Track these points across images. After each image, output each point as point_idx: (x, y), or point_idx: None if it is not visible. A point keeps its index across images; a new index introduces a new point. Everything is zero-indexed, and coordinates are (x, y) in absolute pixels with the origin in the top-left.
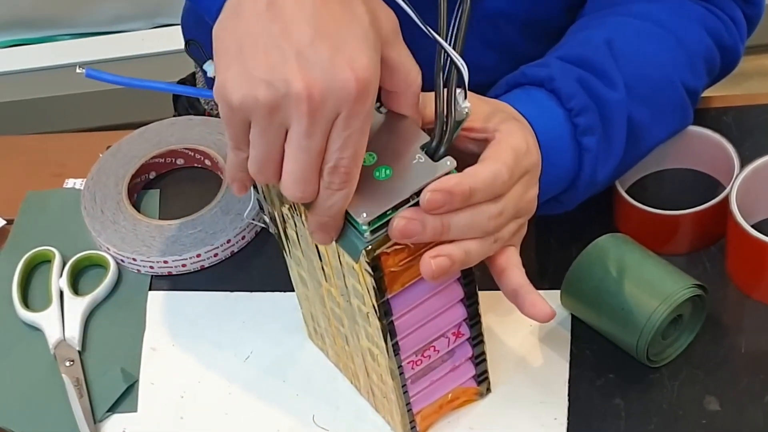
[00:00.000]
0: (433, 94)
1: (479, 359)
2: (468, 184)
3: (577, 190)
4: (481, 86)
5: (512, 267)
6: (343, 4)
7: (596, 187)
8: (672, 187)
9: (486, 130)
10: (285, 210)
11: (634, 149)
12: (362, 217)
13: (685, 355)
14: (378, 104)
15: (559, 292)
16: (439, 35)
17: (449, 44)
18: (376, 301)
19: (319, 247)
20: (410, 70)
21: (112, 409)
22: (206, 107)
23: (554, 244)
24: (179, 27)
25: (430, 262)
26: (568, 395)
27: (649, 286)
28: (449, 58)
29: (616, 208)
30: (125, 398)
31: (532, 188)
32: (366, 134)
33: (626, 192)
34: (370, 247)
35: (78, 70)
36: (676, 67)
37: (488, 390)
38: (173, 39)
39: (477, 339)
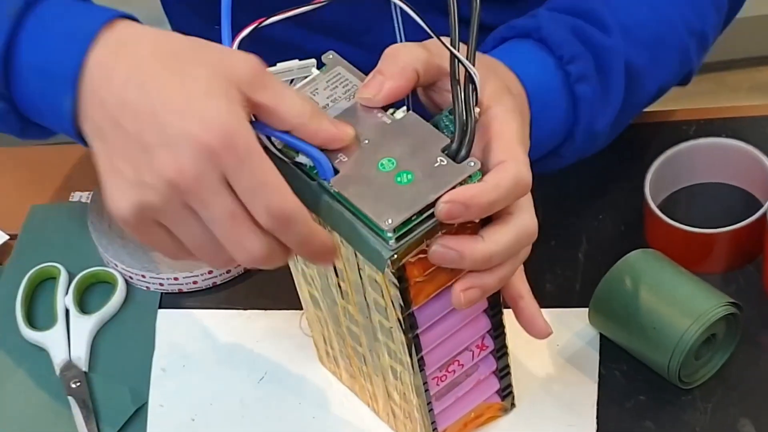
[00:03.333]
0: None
1: (503, 372)
2: (486, 198)
3: (575, 141)
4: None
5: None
6: (174, 72)
7: (597, 139)
8: (706, 203)
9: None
10: None
11: (635, 96)
12: (387, 224)
13: (719, 376)
14: (392, 109)
15: (587, 310)
16: (451, 44)
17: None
18: (401, 314)
19: (336, 262)
20: (291, 106)
21: None
22: None
23: (582, 260)
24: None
25: (460, 295)
26: (597, 418)
27: (681, 304)
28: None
29: (646, 225)
30: (134, 421)
31: None
32: (269, 173)
33: (658, 207)
34: (395, 256)
35: None
36: (677, 6)
37: (512, 405)
38: None
39: (501, 351)
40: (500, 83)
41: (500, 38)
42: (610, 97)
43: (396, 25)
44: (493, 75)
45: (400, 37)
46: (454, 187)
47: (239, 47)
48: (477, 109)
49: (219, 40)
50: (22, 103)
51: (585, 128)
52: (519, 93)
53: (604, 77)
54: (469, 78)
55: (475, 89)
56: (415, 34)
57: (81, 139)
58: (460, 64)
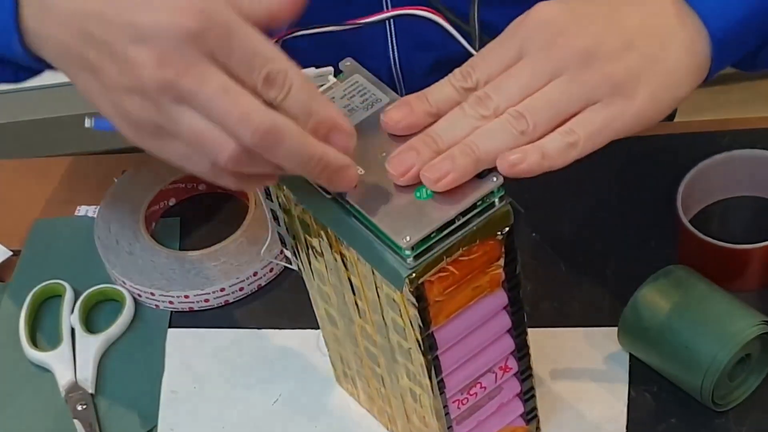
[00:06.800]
0: None
1: (528, 395)
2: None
3: None
4: None
5: None
6: None
7: None
8: (740, 217)
9: None
10: (313, 241)
11: None
12: (405, 241)
13: (754, 397)
14: None
15: (615, 329)
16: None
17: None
18: (420, 334)
19: (353, 280)
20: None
21: None
22: None
23: (611, 277)
24: None
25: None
26: None
27: (715, 323)
28: None
29: (678, 240)
30: None
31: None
32: (261, 42)
33: (690, 222)
34: (414, 274)
35: (87, 124)
36: None
37: (538, 429)
38: None
39: (525, 373)
40: None
41: None
42: None
43: (387, 29)
44: None
45: (391, 42)
46: (474, 204)
47: None
48: None
49: None
50: None
51: None
52: None
53: None
54: None
55: None
56: (406, 41)
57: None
58: None
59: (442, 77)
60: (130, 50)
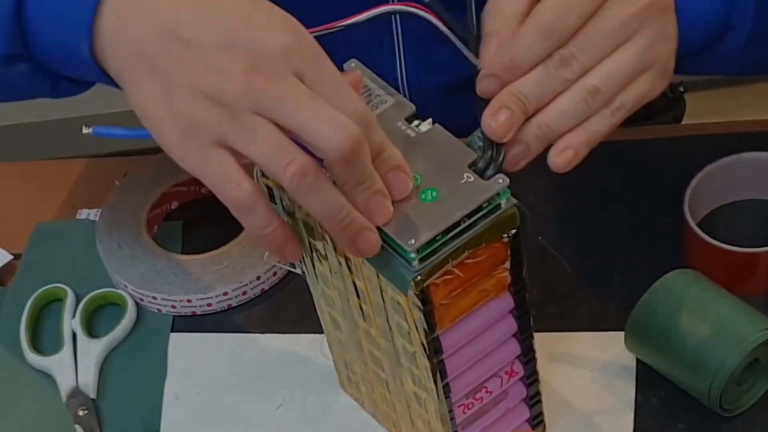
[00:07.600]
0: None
1: (534, 400)
2: (507, 54)
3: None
4: None
5: None
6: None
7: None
8: (748, 221)
9: None
10: (317, 244)
11: None
12: (410, 244)
13: (762, 403)
14: (417, 121)
15: (622, 333)
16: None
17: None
18: (425, 338)
19: (358, 283)
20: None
21: None
22: None
23: (618, 280)
24: None
25: (556, 159)
26: None
27: (723, 328)
28: None
29: (685, 244)
30: None
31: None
32: (342, 77)
33: (697, 225)
34: (419, 277)
35: (84, 131)
36: None
37: None
38: None
39: (531, 378)
40: None
41: None
42: None
43: (396, 51)
44: None
45: (400, 64)
46: (480, 206)
47: None
48: None
49: None
50: (44, 59)
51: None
52: None
53: None
54: None
55: None
56: (415, 64)
57: (115, 83)
58: None
59: (451, 99)
60: (220, 54)
